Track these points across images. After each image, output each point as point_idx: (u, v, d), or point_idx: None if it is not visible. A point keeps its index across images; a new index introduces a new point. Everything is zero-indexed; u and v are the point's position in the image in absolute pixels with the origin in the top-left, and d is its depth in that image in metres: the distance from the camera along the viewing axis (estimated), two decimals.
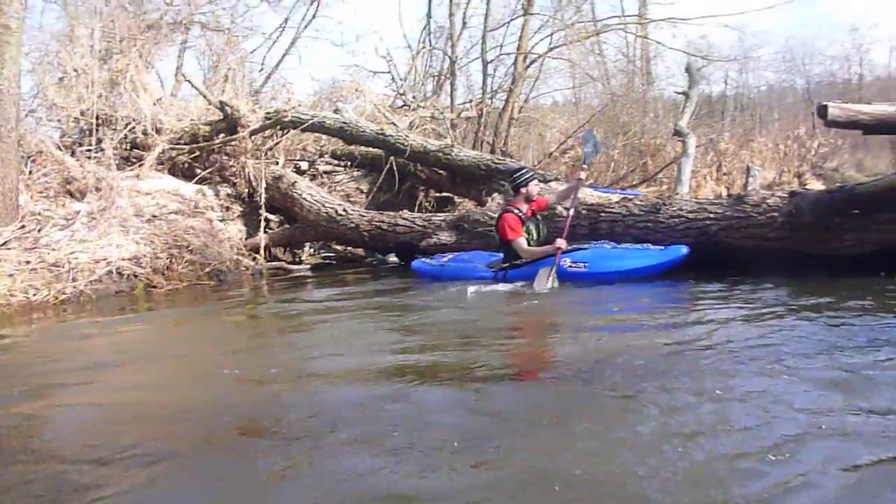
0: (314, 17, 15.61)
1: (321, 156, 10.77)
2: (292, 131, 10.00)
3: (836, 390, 2.46)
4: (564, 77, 16.15)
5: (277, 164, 9.95)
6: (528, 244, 5.80)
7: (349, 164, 10.75)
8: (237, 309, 6.14)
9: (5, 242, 6.59)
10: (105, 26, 10.38)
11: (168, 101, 11.26)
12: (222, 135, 9.82)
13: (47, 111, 10.13)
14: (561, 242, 5.57)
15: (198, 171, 9.64)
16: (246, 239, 9.16)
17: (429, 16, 14.94)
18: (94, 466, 2.20)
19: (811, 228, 5.22)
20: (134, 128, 9.61)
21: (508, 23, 13.90)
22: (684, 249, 5.38)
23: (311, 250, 9.97)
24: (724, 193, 11.53)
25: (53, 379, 3.56)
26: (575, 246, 5.69)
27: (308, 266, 9.10)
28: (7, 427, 2.75)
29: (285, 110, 9.80)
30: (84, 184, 7.89)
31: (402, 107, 12.82)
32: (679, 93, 12.59)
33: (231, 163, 9.69)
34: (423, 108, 12.55)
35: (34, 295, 6.22)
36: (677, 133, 10.40)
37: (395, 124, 10.29)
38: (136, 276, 6.97)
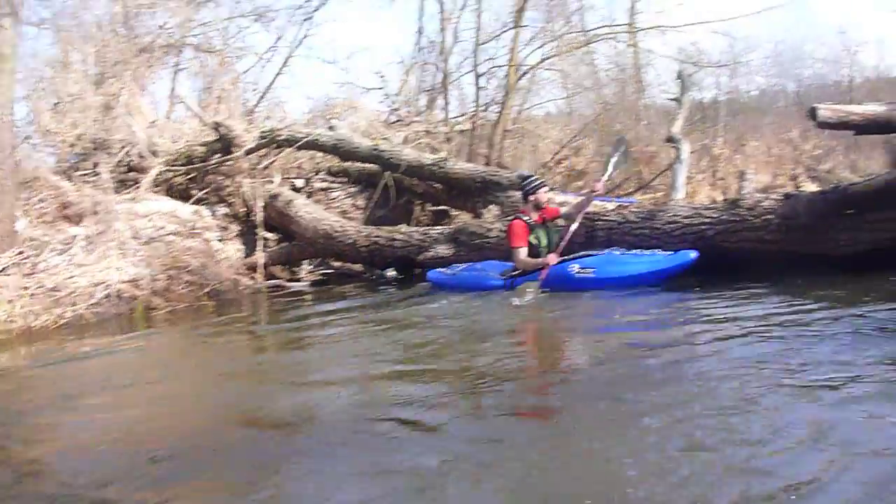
0: (306, 36, 15.72)
1: (317, 173, 10.77)
2: (287, 150, 10.03)
3: (841, 397, 2.46)
4: (557, 87, 16.20)
5: (273, 182, 9.97)
6: (536, 252, 5.81)
7: (345, 180, 10.77)
8: (237, 327, 6.14)
9: (4, 268, 6.58)
10: (98, 51, 10.46)
11: (163, 123, 11.33)
12: (218, 155, 9.85)
13: (42, 137, 10.18)
14: (552, 258, 5.61)
15: (194, 192, 9.65)
16: (244, 258, 9.17)
17: (420, 31, 15.07)
18: (95, 489, 2.20)
19: (806, 229, 5.25)
20: (129, 151, 9.64)
21: (499, 35, 13.98)
22: (693, 254, 5.37)
23: (311, 267, 9.96)
24: (720, 198, 11.55)
25: (53, 402, 3.56)
26: (584, 252, 5.71)
27: (307, 283, 9.10)
28: (10, 451, 2.74)
29: (280, 129, 9.85)
30: (81, 208, 7.89)
31: (396, 122, 12.87)
32: (671, 99, 12.65)
33: (227, 183, 9.73)
34: (418, 122, 12.61)
35: (34, 320, 6.21)
36: (671, 140, 10.44)
37: (388, 139, 10.32)
38: (135, 299, 6.97)
